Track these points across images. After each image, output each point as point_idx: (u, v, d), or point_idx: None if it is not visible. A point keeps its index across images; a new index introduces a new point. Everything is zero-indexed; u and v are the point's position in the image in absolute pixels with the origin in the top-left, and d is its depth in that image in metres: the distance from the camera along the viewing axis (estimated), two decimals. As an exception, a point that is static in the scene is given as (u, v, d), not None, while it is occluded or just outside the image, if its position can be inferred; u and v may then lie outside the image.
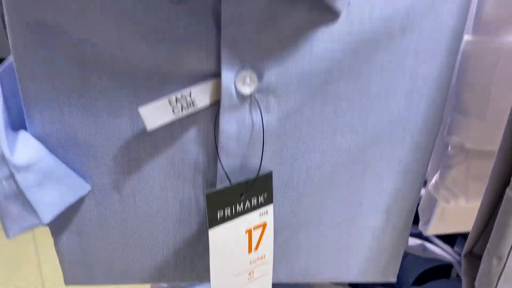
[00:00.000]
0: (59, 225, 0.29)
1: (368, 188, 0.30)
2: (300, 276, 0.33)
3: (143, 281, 0.32)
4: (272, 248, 0.29)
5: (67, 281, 0.32)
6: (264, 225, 0.28)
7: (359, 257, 0.33)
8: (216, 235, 0.26)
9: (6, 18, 0.23)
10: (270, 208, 0.27)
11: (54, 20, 0.23)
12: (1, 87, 0.25)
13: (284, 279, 0.33)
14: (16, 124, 0.26)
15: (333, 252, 0.32)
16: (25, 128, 0.26)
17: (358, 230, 0.31)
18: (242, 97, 0.25)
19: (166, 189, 0.28)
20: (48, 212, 0.25)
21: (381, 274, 0.34)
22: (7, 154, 0.23)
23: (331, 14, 0.23)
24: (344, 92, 0.26)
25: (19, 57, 0.24)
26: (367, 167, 0.29)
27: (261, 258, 0.28)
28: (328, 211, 0.30)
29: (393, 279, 0.35)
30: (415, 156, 0.29)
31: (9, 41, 0.24)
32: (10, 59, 0.25)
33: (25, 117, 0.26)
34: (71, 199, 0.26)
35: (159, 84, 0.25)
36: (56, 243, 0.30)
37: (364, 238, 0.32)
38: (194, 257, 0.31)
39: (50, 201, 0.25)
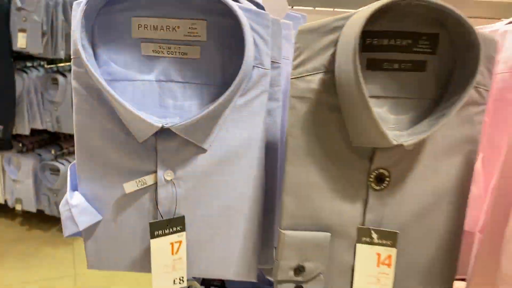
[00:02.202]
0: (86, 231, 0.56)
1: None
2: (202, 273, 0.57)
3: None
4: (185, 252, 0.55)
5: (89, 267, 0.59)
6: (180, 242, 0.54)
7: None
8: (155, 243, 0.53)
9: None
10: (183, 233, 0.54)
11: None
12: (72, 173, 0.56)
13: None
14: (75, 187, 0.55)
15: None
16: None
17: None
18: (167, 181, 0.53)
19: (139, 219, 0.55)
20: (82, 225, 0.54)
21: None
22: (69, 200, 0.53)
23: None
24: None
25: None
26: None
27: (179, 258, 0.55)
28: None
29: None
30: None
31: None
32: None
33: (78, 186, 0.55)
34: (92, 221, 0.55)
35: (129, 175, 0.53)
36: (85, 242, 0.57)
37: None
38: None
39: (83, 221, 0.54)
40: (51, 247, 2.44)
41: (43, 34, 2.20)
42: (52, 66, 2.55)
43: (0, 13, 2.15)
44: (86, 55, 0.47)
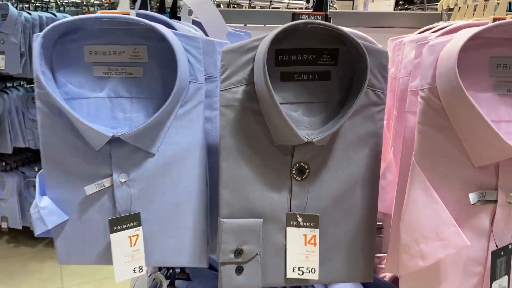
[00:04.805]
0: (55, 230, 0.64)
1: None
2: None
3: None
4: (143, 244, 0.63)
5: (59, 262, 0.66)
6: (137, 235, 0.62)
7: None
8: (115, 237, 0.61)
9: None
10: (140, 227, 0.63)
11: None
12: (40, 180, 0.64)
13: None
14: (44, 193, 0.64)
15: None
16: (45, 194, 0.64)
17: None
18: (122, 182, 0.61)
19: (100, 217, 0.63)
20: (50, 224, 0.62)
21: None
22: (38, 203, 0.61)
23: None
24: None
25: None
26: None
27: (137, 249, 0.63)
28: None
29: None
30: None
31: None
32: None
33: (46, 191, 0.63)
34: (59, 220, 0.63)
35: (89, 179, 0.62)
36: (54, 240, 0.65)
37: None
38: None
39: (51, 220, 0.62)
40: (38, 263, 2.47)
41: (21, 55, 2.25)
42: (32, 85, 2.59)
43: (-22, 37, 2.17)
44: (45, 79, 0.56)
